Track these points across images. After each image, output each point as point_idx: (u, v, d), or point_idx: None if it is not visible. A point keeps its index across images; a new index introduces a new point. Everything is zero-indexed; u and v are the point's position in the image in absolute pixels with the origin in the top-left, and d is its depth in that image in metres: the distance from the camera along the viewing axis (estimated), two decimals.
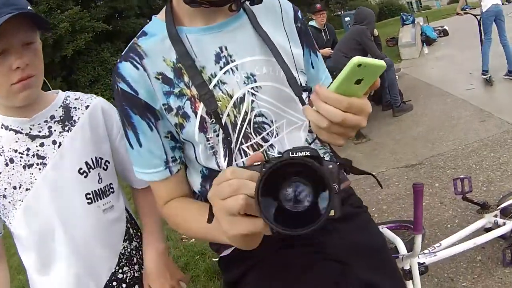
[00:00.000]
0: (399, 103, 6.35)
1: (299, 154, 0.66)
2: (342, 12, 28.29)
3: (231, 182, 0.67)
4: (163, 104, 1.02)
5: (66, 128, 1.33)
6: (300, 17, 1.20)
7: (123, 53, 1.05)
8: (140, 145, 1.06)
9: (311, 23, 7.39)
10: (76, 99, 1.42)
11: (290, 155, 0.66)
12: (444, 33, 13.24)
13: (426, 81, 8.07)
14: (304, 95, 1.09)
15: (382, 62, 0.71)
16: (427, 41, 12.03)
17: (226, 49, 1.04)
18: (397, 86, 6.45)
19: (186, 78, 1.01)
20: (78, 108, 1.39)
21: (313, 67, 1.23)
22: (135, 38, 1.07)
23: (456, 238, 2.65)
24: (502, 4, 7.63)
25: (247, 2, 1.04)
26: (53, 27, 18.34)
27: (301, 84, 1.10)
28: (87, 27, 19.97)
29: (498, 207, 2.86)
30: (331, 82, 0.75)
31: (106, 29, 21.15)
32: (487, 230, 2.74)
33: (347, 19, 15.23)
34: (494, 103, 5.84)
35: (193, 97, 1.01)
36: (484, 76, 7.15)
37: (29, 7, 1.21)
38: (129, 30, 23.61)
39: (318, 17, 7.21)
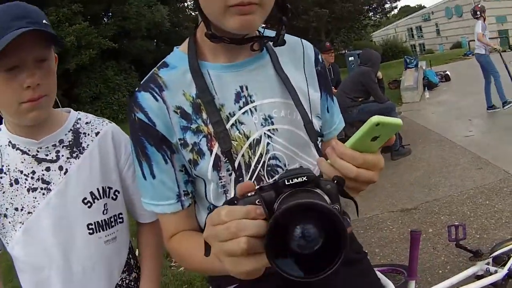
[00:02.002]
0: (398, 147, 6.37)
1: (295, 180, 0.66)
2: (346, 51, 28.66)
3: (228, 225, 0.64)
4: (179, 139, 1.01)
5: (74, 155, 1.29)
6: (321, 60, 1.20)
7: (142, 82, 1.05)
8: (154, 176, 1.04)
9: None
10: (87, 123, 1.37)
11: (286, 183, 0.66)
12: (446, 78, 13.44)
13: (426, 126, 8.15)
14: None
15: (399, 121, 0.73)
16: (429, 85, 12.20)
17: (246, 88, 1.05)
18: None
19: (204, 115, 1.01)
20: (88, 134, 1.35)
21: (328, 111, 1.23)
22: (155, 68, 1.07)
23: (447, 285, 2.66)
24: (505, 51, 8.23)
25: (270, 42, 1.06)
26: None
27: (317, 129, 1.10)
28: (93, 43, 20.04)
29: (491, 255, 2.89)
30: (348, 138, 0.76)
31: (112, 47, 21.18)
32: (478, 277, 2.75)
33: (351, 58, 15.38)
34: (492, 151, 5.88)
35: (210, 135, 1.01)
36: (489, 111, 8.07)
37: (44, 21, 1.17)
38: (134, 51, 23.82)
39: (328, 56, 7.08)
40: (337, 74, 7.62)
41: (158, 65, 1.07)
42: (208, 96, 1.00)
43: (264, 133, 1.04)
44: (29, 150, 1.24)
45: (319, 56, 1.20)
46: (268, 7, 0.93)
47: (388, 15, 36.87)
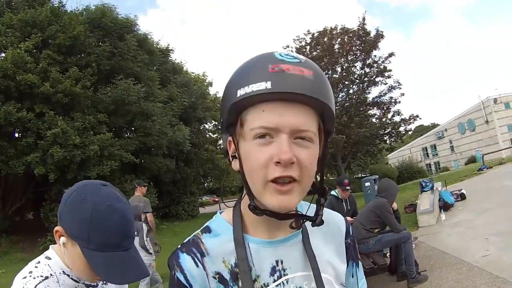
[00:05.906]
0: (414, 275, 6.39)
1: None
2: (362, 175, 29.03)
3: None
4: None
5: (104, 282, 1.76)
6: (351, 233, 1.29)
7: (185, 243, 1.13)
8: None
9: (332, 192, 7.69)
10: None
11: None
12: (462, 197, 13.27)
13: (442, 250, 8.07)
14: None
15: None
16: (445, 206, 12.04)
17: (281, 263, 1.11)
18: (413, 257, 6.57)
19: (240, 283, 1.07)
20: None
21: (352, 277, 1.30)
22: (198, 232, 1.15)
23: None
24: None
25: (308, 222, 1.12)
26: (82, 147, 18.64)
27: None
28: (115, 155, 20.42)
29: None
30: None
31: (133, 161, 21.60)
32: None
33: (367, 184, 15.78)
34: (509, 268, 5.89)
35: None
36: None
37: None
38: (154, 168, 24.00)
39: (344, 192, 7.52)
40: (353, 205, 7.88)
41: (202, 228, 1.17)
42: (245, 267, 1.07)
43: None
44: (79, 279, 1.66)
45: (350, 229, 1.30)
46: (306, 185, 1.03)
47: (402, 138, 37.52)
